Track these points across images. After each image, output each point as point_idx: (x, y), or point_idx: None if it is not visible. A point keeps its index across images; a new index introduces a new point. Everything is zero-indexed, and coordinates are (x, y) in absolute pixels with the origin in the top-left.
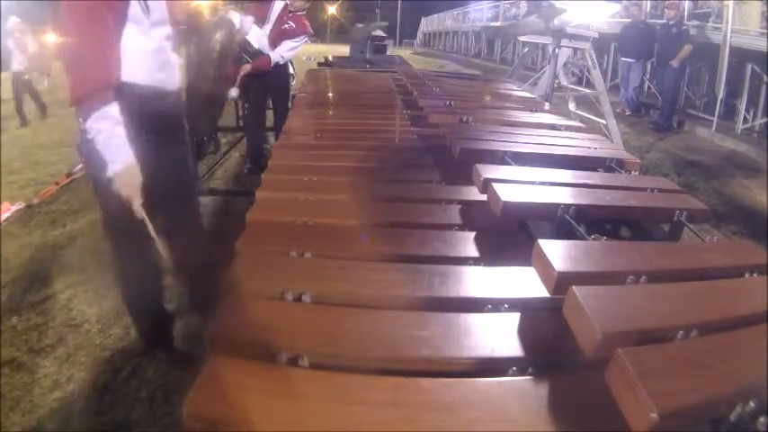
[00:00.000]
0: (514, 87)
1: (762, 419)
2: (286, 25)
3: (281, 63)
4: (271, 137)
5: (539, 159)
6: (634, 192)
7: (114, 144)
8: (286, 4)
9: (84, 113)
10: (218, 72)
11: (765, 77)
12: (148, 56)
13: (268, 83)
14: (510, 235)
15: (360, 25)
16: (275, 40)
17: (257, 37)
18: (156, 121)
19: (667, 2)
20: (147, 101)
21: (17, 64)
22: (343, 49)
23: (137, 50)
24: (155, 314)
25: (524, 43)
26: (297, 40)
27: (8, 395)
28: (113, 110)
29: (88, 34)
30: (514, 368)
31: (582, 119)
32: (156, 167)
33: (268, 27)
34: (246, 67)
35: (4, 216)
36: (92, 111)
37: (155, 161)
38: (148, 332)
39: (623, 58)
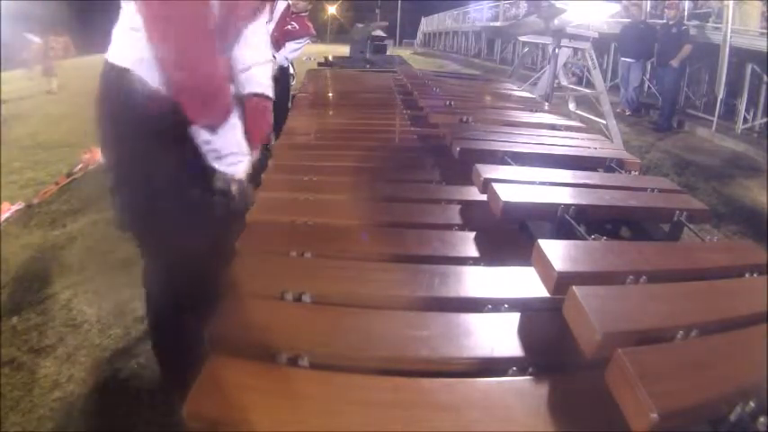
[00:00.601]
0: (514, 87)
1: (762, 419)
2: (289, 26)
3: (286, 65)
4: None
5: (539, 159)
6: (634, 192)
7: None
8: (288, 5)
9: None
10: None
11: (765, 77)
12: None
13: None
14: (510, 235)
15: (360, 25)
16: (278, 41)
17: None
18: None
19: (667, 2)
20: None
21: None
22: (344, 49)
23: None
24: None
25: (524, 43)
26: (300, 41)
27: (8, 395)
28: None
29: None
30: (514, 368)
31: (582, 119)
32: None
33: (270, 26)
34: None
35: (4, 216)
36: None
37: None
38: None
39: (623, 58)
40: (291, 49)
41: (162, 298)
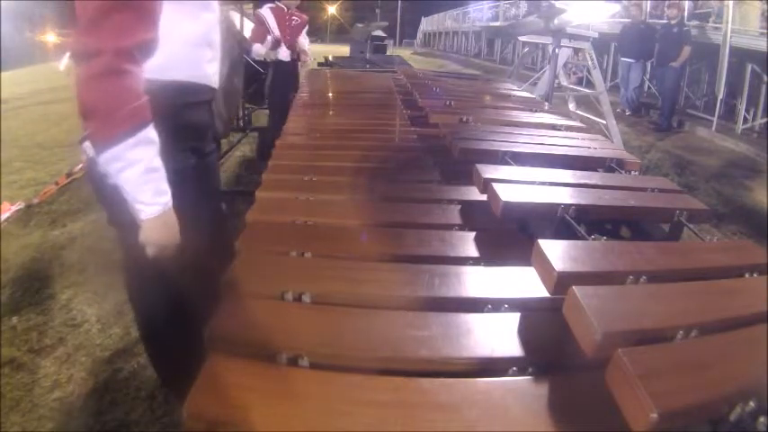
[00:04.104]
0: (514, 87)
1: (762, 419)
2: (293, 21)
3: (306, 48)
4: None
5: (539, 159)
6: (634, 192)
7: (156, 177)
8: (276, 6)
9: (111, 141)
10: (230, 72)
11: (765, 77)
12: (195, 44)
13: (288, 78)
14: (510, 235)
15: (360, 25)
16: (293, 38)
17: (260, 51)
18: (198, 129)
19: (669, 1)
20: (187, 98)
21: None
22: (343, 49)
23: (180, 37)
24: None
25: (524, 43)
26: (305, 29)
27: (8, 395)
28: (153, 132)
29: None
30: (514, 368)
31: (582, 119)
32: (192, 186)
33: (276, 34)
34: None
35: (4, 216)
36: (126, 136)
37: (193, 180)
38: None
39: (623, 59)
40: (307, 41)
41: (151, 308)
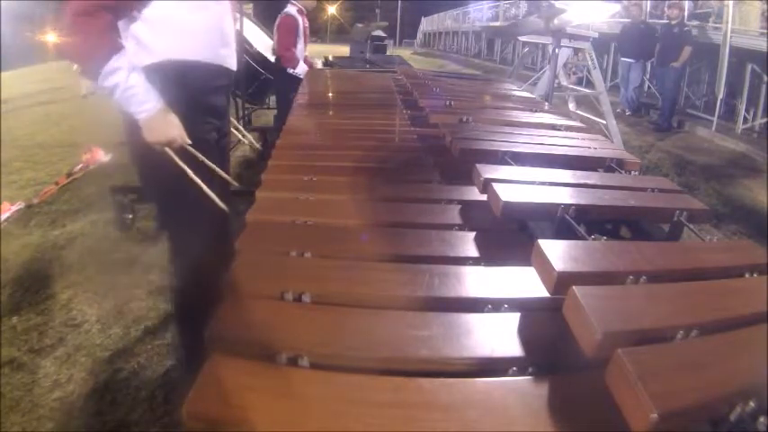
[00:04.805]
0: (514, 87)
1: (762, 419)
2: (306, 24)
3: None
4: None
5: (539, 159)
6: (634, 192)
7: (135, 92)
8: (298, 8)
9: (93, 74)
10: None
11: (765, 77)
12: (209, 29)
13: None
14: (510, 235)
15: (360, 25)
16: (305, 42)
17: (304, 69)
18: (218, 108)
19: (669, 2)
20: (208, 79)
21: None
22: (343, 49)
23: (194, 23)
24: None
25: (524, 43)
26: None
27: (8, 395)
28: (121, 59)
29: None
30: (514, 368)
31: (582, 119)
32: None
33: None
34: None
35: (4, 216)
36: (99, 68)
37: (212, 152)
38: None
39: (623, 59)
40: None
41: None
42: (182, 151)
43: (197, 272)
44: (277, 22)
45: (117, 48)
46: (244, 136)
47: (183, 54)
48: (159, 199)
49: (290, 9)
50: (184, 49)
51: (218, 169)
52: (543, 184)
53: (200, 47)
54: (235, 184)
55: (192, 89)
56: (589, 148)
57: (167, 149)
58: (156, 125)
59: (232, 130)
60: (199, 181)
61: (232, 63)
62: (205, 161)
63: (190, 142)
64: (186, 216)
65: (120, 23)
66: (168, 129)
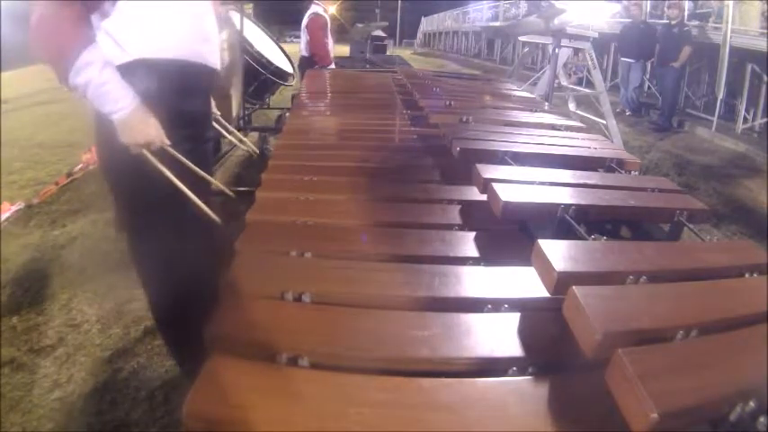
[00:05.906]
0: (514, 87)
1: (762, 419)
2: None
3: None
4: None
5: (539, 159)
6: (634, 192)
7: (109, 89)
8: (322, 7)
9: (64, 70)
10: (227, 72)
11: (765, 77)
12: (186, 23)
13: None
14: (510, 235)
15: (360, 25)
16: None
17: None
18: (193, 114)
19: (669, 1)
20: (186, 80)
21: None
22: (343, 49)
23: (169, 17)
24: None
25: (524, 43)
26: None
27: (8, 395)
28: (94, 53)
29: None
30: (514, 368)
31: (582, 119)
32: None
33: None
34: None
35: (4, 216)
36: (70, 63)
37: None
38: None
39: (623, 59)
40: None
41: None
42: (161, 153)
43: (172, 283)
44: (305, 23)
45: (89, 40)
46: (241, 141)
47: (156, 52)
48: (130, 203)
49: (317, 8)
50: (158, 47)
51: (200, 171)
52: (543, 184)
53: (176, 43)
54: (219, 185)
55: (164, 93)
56: (589, 148)
57: (145, 152)
58: (133, 125)
59: (228, 136)
60: (179, 184)
61: (214, 60)
62: (186, 163)
63: (169, 143)
64: (163, 222)
65: (92, 18)
66: (146, 129)
